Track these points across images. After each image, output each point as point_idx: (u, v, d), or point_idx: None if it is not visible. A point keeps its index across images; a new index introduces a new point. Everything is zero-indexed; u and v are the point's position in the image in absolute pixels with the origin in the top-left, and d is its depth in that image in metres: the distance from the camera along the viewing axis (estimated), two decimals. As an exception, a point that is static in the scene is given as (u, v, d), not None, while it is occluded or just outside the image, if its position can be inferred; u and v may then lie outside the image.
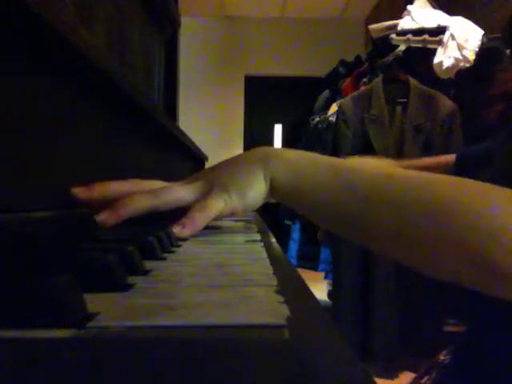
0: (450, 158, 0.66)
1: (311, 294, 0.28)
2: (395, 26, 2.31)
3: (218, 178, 0.49)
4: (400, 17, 2.39)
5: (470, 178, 0.60)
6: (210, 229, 0.64)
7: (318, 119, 3.08)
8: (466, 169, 0.63)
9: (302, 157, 0.48)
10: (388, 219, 0.39)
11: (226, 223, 0.80)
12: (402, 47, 2.23)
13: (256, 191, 0.48)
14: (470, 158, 0.64)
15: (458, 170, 0.65)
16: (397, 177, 0.42)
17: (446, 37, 2.14)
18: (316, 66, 4.51)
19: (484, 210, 0.35)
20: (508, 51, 1.86)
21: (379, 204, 0.40)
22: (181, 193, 0.49)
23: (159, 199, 0.48)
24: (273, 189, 0.48)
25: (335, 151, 2.12)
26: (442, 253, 0.36)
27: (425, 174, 0.41)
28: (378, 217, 0.40)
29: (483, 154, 0.61)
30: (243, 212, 0.50)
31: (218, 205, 0.48)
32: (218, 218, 0.49)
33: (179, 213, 0.49)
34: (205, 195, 0.48)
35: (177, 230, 0.47)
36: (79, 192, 0.46)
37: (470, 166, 0.63)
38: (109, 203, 0.47)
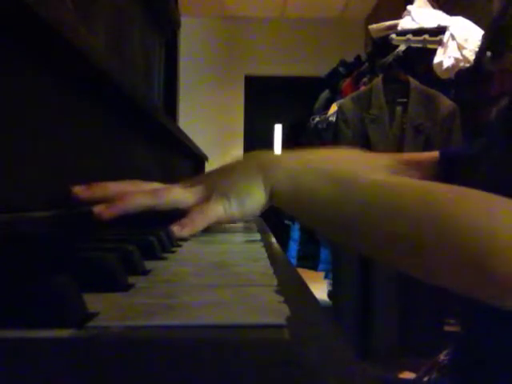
0: (434, 154, 0.65)
1: (311, 294, 0.28)
2: (395, 25, 2.31)
3: (218, 184, 0.50)
4: (400, 17, 2.39)
5: (455, 178, 0.60)
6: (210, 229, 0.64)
7: (318, 119, 3.08)
8: (450, 168, 0.63)
9: (302, 164, 0.48)
10: (387, 227, 0.40)
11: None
12: (402, 47, 2.22)
13: (255, 199, 0.48)
14: (454, 157, 0.64)
15: (442, 169, 0.64)
16: (397, 185, 0.42)
17: (446, 37, 2.14)
18: (316, 66, 4.51)
19: (484, 219, 0.36)
20: (489, 54, 1.86)
21: (378, 212, 0.40)
22: (180, 195, 0.49)
23: (158, 199, 0.48)
24: (272, 196, 0.48)
25: (335, 151, 2.12)
26: (440, 260, 0.37)
27: (423, 183, 0.42)
28: (376, 224, 0.40)
29: (470, 154, 0.61)
30: (241, 218, 0.50)
31: (216, 210, 0.48)
32: (216, 223, 0.49)
33: (180, 215, 0.49)
34: (204, 199, 0.49)
35: (176, 229, 0.47)
36: (80, 191, 0.46)
37: (454, 166, 0.62)
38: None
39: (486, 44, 1.88)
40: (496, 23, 1.75)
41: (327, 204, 0.44)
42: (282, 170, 0.48)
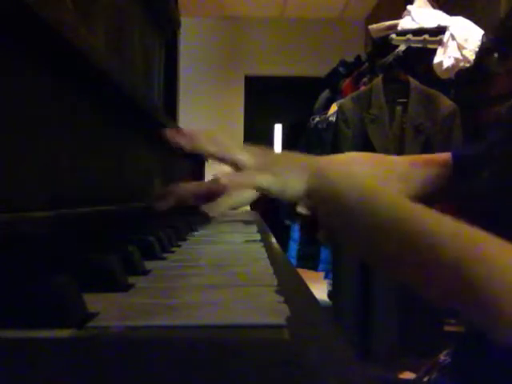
0: (447, 156, 0.67)
1: (311, 294, 0.28)
2: (395, 25, 2.31)
3: (274, 163, 0.55)
4: (400, 17, 2.39)
5: (469, 178, 0.61)
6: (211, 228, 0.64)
7: (318, 119, 3.08)
8: (464, 168, 0.64)
9: (342, 177, 0.52)
10: (405, 257, 0.41)
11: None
12: (402, 47, 2.22)
13: (293, 190, 0.53)
14: (467, 157, 0.65)
15: (456, 169, 0.65)
16: (411, 217, 0.43)
17: (446, 37, 2.14)
18: (316, 66, 4.50)
19: (498, 265, 0.36)
20: (496, 55, 1.86)
21: (397, 236, 0.42)
22: (244, 156, 0.54)
23: (219, 149, 0.55)
24: (309, 195, 0.52)
25: (335, 151, 2.12)
26: (453, 296, 0.38)
27: (447, 222, 0.42)
28: (395, 247, 0.42)
29: (481, 153, 0.61)
30: (275, 196, 0.55)
31: (260, 179, 0.53)
32: (253, 189, 0.55)
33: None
34: (258, 168, 0.54)
35: (222, 179, 0.52)
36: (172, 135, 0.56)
37: (468, 166, 0.63)
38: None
39: (492, 45, 1.89)
40: (503, 24, 1.75)
41: (353, 217, 0.47)
42: (324, 178, 0.53)
